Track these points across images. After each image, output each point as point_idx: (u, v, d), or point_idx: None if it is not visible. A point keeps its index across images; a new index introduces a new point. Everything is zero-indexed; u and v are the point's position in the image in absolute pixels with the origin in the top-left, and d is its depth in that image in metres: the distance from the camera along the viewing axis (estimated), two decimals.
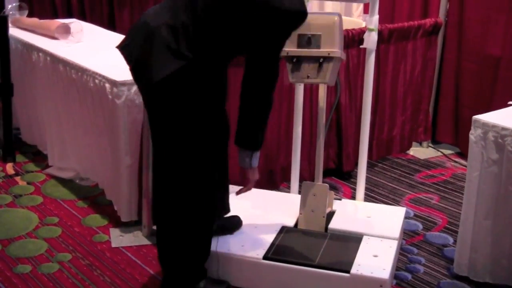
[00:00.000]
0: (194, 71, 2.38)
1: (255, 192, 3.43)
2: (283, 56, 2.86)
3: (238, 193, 2.68)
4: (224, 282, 2.86)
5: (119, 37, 4.32)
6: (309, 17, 2.86)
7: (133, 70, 2.57)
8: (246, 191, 2.65)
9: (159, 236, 2.73)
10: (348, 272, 2.75)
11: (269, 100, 2.50)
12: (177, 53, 2.36)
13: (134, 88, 3.24)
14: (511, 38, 4.13)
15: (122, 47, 2.60)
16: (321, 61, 2.84)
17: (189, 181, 2.56)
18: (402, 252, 3.25)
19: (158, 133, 2.58)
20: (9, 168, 4.13)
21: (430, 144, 4.68)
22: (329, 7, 5.57)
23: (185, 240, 2.64)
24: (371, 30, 3.22)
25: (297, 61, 2.86)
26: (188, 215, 2.61)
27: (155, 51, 2.39)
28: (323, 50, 2.83)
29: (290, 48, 2.84)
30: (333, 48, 2.83)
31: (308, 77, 2.87)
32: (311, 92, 3.74)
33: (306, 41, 2.84)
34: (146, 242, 3.28)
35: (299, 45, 2.86)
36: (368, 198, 3.79)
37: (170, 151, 2.55)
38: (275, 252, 2.89)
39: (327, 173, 3.92)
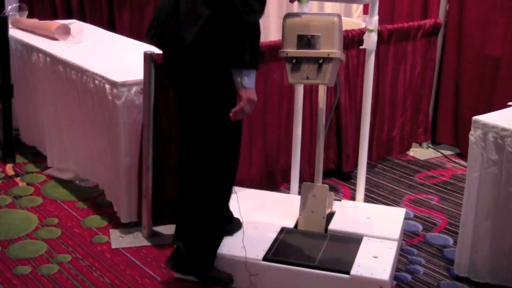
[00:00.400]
0: (215, 26, 2.46)
1: (255, 193, 3.45)
2: (283, 57, 2.87)
3: (232, 114, 2.54)
4: (228, 274, 2.89)
5: (119, 38, 4.34)
6: (308, 18, 2.88)
7: (166, 53, 2.70)
8: (238, 109, 2.51)
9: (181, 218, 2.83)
10: (348, 273, 2.75)
11: (253, 14, 2.43)
12: (196, 13, 2.46)
13: (134, 89, 3.24)
14: (511, 39, 4.13)
15: (151, 38, 2.71)
16: (320, 62, 2.83)
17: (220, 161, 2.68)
18: (402, 253, 3.24)
19: (194, 112, 2.65)
20: (9, 169, 4.12)
21: (430, 145, 4.68)
22: (329, 8, 5.57)
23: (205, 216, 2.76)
24: (371, 30, 3.22)
25: (296, 62, 2.86)
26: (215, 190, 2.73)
27: (180, 22, 2.50)
28: (323, 51, 2.83)
29: (289, 49, 2.84)
30: (333, 49, 2.83)
31: (307, 78, 2.87)
32: (311, 93, 3.74)
33: (306, 42, 2.84)
34: (146, 243, 3.28)
35: (299, 46, 2.85)
36: (368, 199, 3.79)
37: (203, 133, 2.65)
38: (275, 253, 2.89)
39: (327, 174, 3.92)
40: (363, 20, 5.02)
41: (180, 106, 2.81)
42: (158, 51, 3.36)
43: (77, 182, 3.91)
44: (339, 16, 2.89)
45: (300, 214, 3.12)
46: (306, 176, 3.79)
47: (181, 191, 2.89)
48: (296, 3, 3.21)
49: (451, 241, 3.38)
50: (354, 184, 3.62)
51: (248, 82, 2.45)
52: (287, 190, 3.70)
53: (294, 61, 2.86)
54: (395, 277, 3.02)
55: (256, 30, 2.46)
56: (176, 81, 2.76)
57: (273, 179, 3.80)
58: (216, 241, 2.85)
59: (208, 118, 2.64)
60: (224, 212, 2.88)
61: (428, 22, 4.28)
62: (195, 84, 2.60)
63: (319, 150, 3.15)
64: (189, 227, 2.82)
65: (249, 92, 2.47)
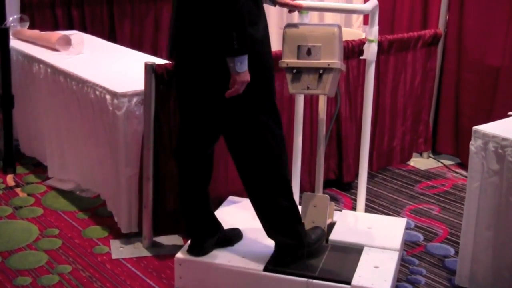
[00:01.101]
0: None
1: None
2: (283, 67, 2.87)
3: (227, 95, 2.60)
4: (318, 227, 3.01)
5: (120, 49, 4.35)
6: (309, 28, 2.89)
7: (181, 61, 2.75)
8: (233, 91, 2.58)
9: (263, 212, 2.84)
10: (349, 283, 2.74)
11: (232, 5, 2.47)
12: (198, 13, 2.59)
13: (135, 99, 3.25)
14: (511, 48, 4.14)
15: (168, 54, 2.81)
16: (321, 72, 2.84)
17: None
18: (403, 263, 3.24)
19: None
20: (10, 179, 4.12)
21: (431, 155, 4.68)
22: (329, 18, 5.58)
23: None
24: (371, 41, 3.23)
25: (297, 72, 2.86)
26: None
27: (189, 29, 2.62)
28: (323, 61, 2.84)
29: (290, 59, 2.85)
30: (333, 59, 2.84)
31: (308, 88, 2.87)
32: (311, 103, 3.75)
33: (306, 52, 2.85)
34: (146, 253, 3.28)
35: (299, 56, 2.86)
36: (369, 209, 3.79)
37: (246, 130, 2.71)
38: (278, 261, 2.88)
39: (327, 184, 3.92)
40: (363, 31, 5.03)
41: (194, 118, 2.81)
42: (159, 61, 3.38)
43: (77, 192, 3.91)
44: (339, 27, 2.89)
45: None
46: (307, 186, 3.79)
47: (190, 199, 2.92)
48: (296, 13, 3.21)
49: (452, 251, 3.38)
50: (355, 194, 3.61)
51: (240, 67, 2.53)
52: None
53: (294, 71, 2.86)
54: (396, 287, 3.01)
55: (240, 16, 2.49)
56: (193, 91, 2.76)
57: None
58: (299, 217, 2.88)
59: (245, 112, 2.69)
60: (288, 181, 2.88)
61: (428, 32, 4.29)
62: (219, 83, 2.63)
63: (319, 160, 3.15)
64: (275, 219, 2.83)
65: (242, 75, 2.55)
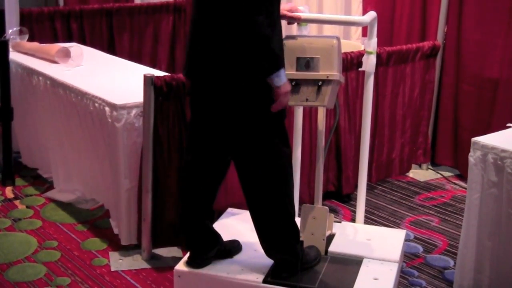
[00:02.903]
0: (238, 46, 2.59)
1: None
2: None
3: (273, 108, 2.63)
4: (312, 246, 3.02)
5: (119, 61, 4.36)
6: (307, 40, 2.89)
7: (200, 85, 2.72)
8: (278, 104, 2.62)
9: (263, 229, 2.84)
10: None
11: (256, 30, 2.49)
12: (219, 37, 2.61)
13: (134, 111, 3.25)
14: (509, 61, 4.15)
15: (185, 74, 2.79)
16: (320, 84, 2.85)
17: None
18: (402, 275, 3.23)
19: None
20: (9, 191, 4.12)
21: (430, 166, 4.68)
22: (328, 30, 5.60)
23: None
24: (370, 53, 3.24)
25: (296, 84, 2.87)
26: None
27: (208, 51, 2.63)
28: (322, 73, 2.85)
29: (289, 71, 2.86)
30: (332, 71, 2.84)
31: (307, 100, 2.87)
32: (310, 115, 3.75)
33: (305, 64, 2.86)
34: (145, 265, 3.27)
35: (298, 68, 2.87)
36: (368, 220, 3.78)
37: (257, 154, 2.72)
38: (275, 275, 2.87)
39: (326, 196, 3.92)
40: (362, 43, 5.04)
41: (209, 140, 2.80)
42: (158, 73, 3.38)
43: (77, 204, 3.90)
44: (338, 39, 2.90)
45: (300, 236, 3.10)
46: (306, 198, 3.78)
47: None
48: (295, 25, 3.22)
49: (451, 262, 3.37)
50: (354, 206, 3.61)
51: (278, 80, 2.57)
52: None
53: (293, 83, 2.86)
54: None
55: (261, 37, 2.51)
56: (208, 112, 2.75)
57: None
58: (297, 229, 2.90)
59: (258, 136, 2.70)
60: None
61: (427, 44, 4.30)
62: (236, 106, 2.65)
63: (318, 172, 3.15)
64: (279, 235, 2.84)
65: (283, 87, 2.59)
